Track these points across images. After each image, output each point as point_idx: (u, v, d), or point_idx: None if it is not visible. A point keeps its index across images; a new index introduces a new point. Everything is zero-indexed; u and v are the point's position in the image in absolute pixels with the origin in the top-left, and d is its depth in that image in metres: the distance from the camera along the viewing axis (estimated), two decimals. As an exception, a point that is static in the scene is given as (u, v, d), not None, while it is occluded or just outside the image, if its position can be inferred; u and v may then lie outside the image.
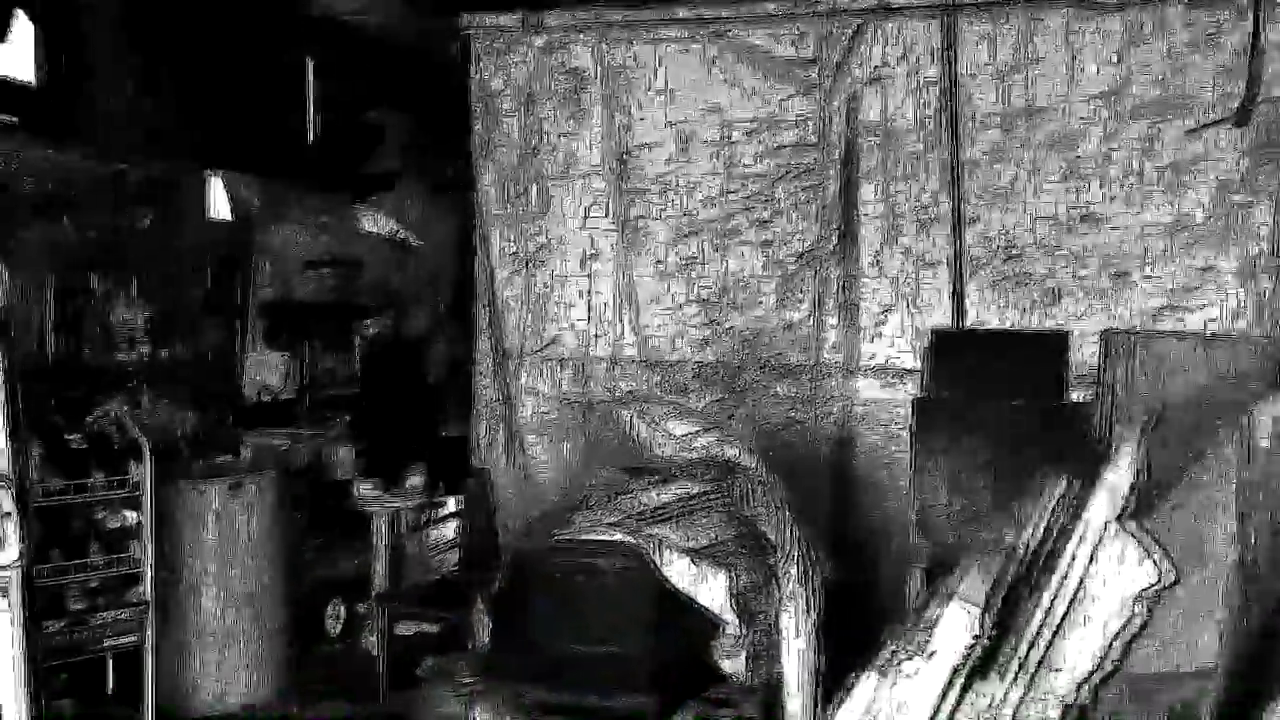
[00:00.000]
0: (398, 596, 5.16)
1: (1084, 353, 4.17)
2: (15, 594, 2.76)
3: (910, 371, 4.98)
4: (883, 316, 5.09)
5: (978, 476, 3.54)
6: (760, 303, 5.24)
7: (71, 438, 3.82)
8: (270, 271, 6.63)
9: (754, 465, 3.47)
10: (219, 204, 6.24)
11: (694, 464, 3.42)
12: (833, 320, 5.14)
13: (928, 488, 4.34)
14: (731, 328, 5.26)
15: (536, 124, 5.46)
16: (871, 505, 5.06)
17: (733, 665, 3.09)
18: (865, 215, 5.08)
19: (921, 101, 4.93)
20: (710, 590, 2.88)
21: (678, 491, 3.10)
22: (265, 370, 6.52)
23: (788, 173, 5.17)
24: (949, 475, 3.59)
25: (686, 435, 3.64)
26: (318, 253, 7.05)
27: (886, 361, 5.08)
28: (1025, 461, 2.75)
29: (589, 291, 5.42)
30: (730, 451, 3.53)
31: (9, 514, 2.58)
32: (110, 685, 4.57)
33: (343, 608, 6.18)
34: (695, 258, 5.30)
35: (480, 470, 3.40)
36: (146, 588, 4.09)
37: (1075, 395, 3.94)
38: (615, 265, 5.37)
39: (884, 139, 5.01)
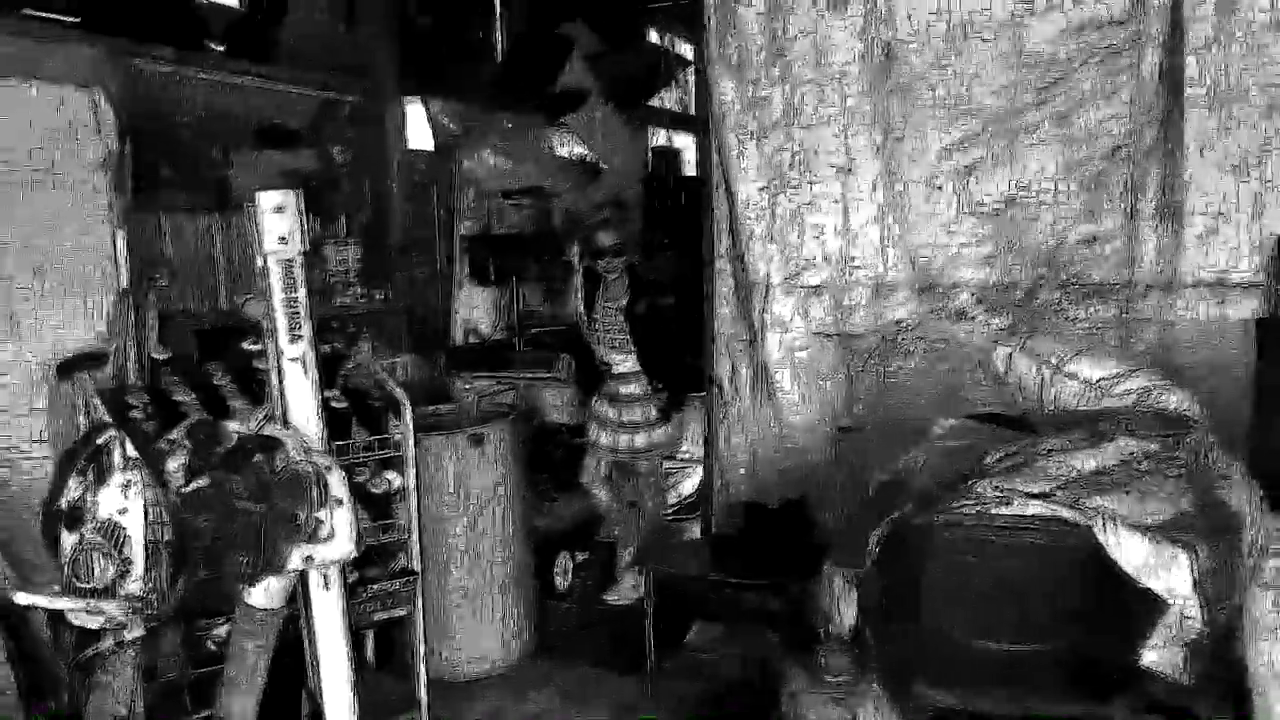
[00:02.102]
0: (667, 557, 4.68)
1: None
2: (337, 590, 2.33)
3: (1248, 287, 4.21)
4: (1213, 222, 4.27)
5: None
6: (1058, 212, 4.49)
7: (330, 394, 3.39)
8: (471, 203, 6.16)
9: (1203, 418, 2.81)
10: (420, 133, 5.77)
11: (1111, 415, 2.77)
12: (1150, 229, 4.36)
13: (1272, 420, 3.64)
14: (1021, 243, 4.53)
15: (782, 18, 4.77)
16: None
17: (1162, 659, 2.47)
18: (1193, 101, 4.25)
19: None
20: (1170, 576, 2.27)
21: (1120, 453, 2.48)
22: (473, 310, 6.09)
23: (1092, 54, 4.36)
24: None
25: (1106, 379, 2.99)
26: (514, 181, 6.55)
27: (1217, 276, 4.28)
28: None
29: (847, 209, 4.75)
30: (1173, 400, 2.87)
31: (340, 501, 2.12)
32: (371, 658, 4.28)
33: (569, 561, 5.80)
34: (976, 163, 4.56)
35: (848, 427, 2.83)
36: (414, 555, 3.68)
37: None
38: (878, 177, 4.68)
39: (1220, 5, 4.14)
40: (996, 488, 2.40)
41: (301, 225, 2.35)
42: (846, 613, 2.63)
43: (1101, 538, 2.30)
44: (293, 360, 2.33)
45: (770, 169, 4.84)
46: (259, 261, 2.30)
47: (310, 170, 5.25)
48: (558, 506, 6.03)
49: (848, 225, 4.76)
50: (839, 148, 4.72)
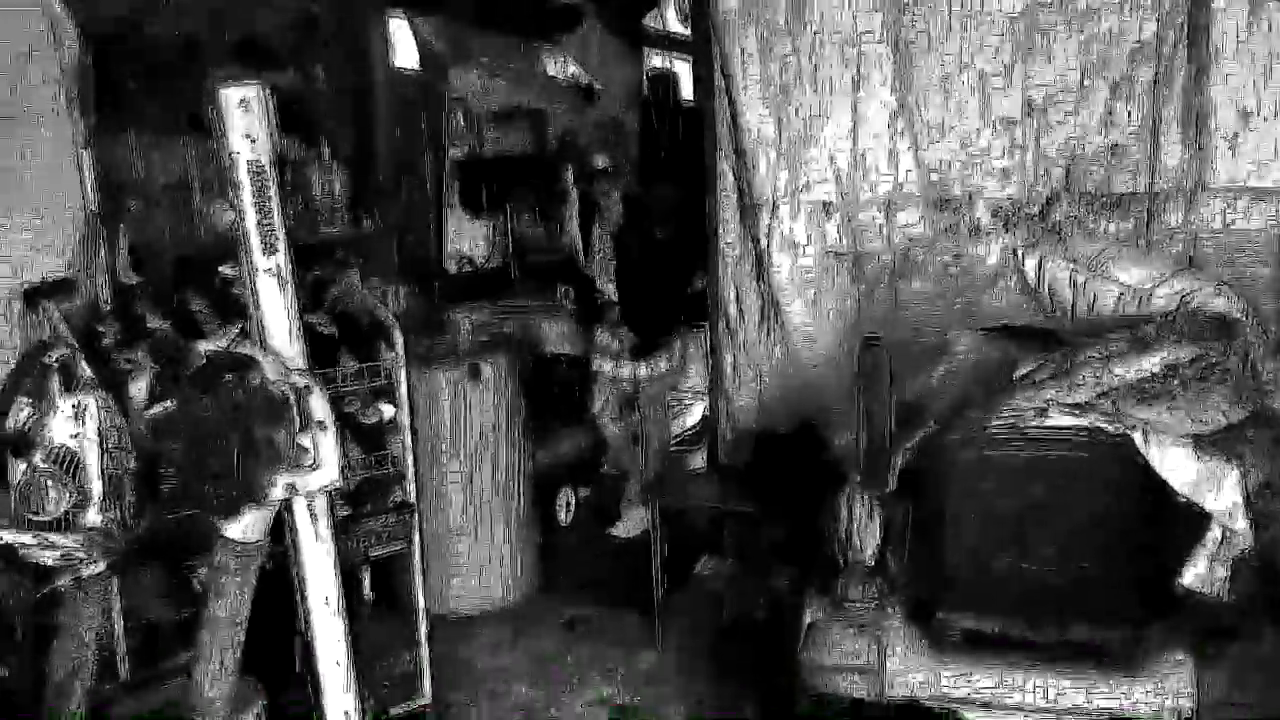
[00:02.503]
0: (674, 489, 4.53)
1: None
2: (325, 521, 2.16)
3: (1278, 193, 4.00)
4: (1243, 125, 4.05)
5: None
6: (1078, 120, 4.25)
7: (316, 320, 3.19)
8: (460, 126, 5.89)
9: (1252, 322, 2.63)
10: (406, 51, 5.49)
11: (1153, 321, 2.58)
12: (1175, 135, 4.14)
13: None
14: (1040, 152, 4.31)
15: (786, -84, 4.48)
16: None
17: (1203, 577, 2.32)
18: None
19: None
20: (1218, 491, 2.11)
21: (1163, 359, 2.29)
22: (465, 238, 5.87)
23: (1116, -51, 4.09)
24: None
25: (1145, 282, 2.80)
26: (505, 103, 6.28)
27: (1247, 183, 4.06)
28: None
29: (858, 121, 4.51)
30: (1219, 303, 2.69)
31: (324, 424, 1.94)
32: (368, 595, 4.15)
33: (571, 495, 5.66)
34: (991, 69, 4.32)
35: (874, 337, 2.65)
36: (409, 489, 3.52)
37: None
38: (891, 86, 4.43)
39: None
40: (1029, 399, 2.22)
41: (270, 123, 2.13)
42: (869, 540, 2.47)
43: (1144, 451, 2.13)
44: (268, 273, 2.12)
45: (776, 80, 4.58)
46: (225, 163, 2.09)
47: (291, 89, 5.00)
48: (559, 439, 5.87)
49: (858, 138, 4.52)
50: (850, 56, 4.47)
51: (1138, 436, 2.14)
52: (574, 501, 5.63)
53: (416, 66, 5.66)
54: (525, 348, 5.79)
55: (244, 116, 2.07)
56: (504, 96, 6.25)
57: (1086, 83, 4.20)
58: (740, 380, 4.86)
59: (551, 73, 6.75)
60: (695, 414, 7.05)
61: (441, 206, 5.75)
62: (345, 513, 3.32)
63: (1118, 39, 4.14)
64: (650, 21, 8.40)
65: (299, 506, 2.11)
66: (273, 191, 2.10)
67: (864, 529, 2.45)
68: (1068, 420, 2.21)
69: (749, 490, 3.93)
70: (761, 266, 4.73)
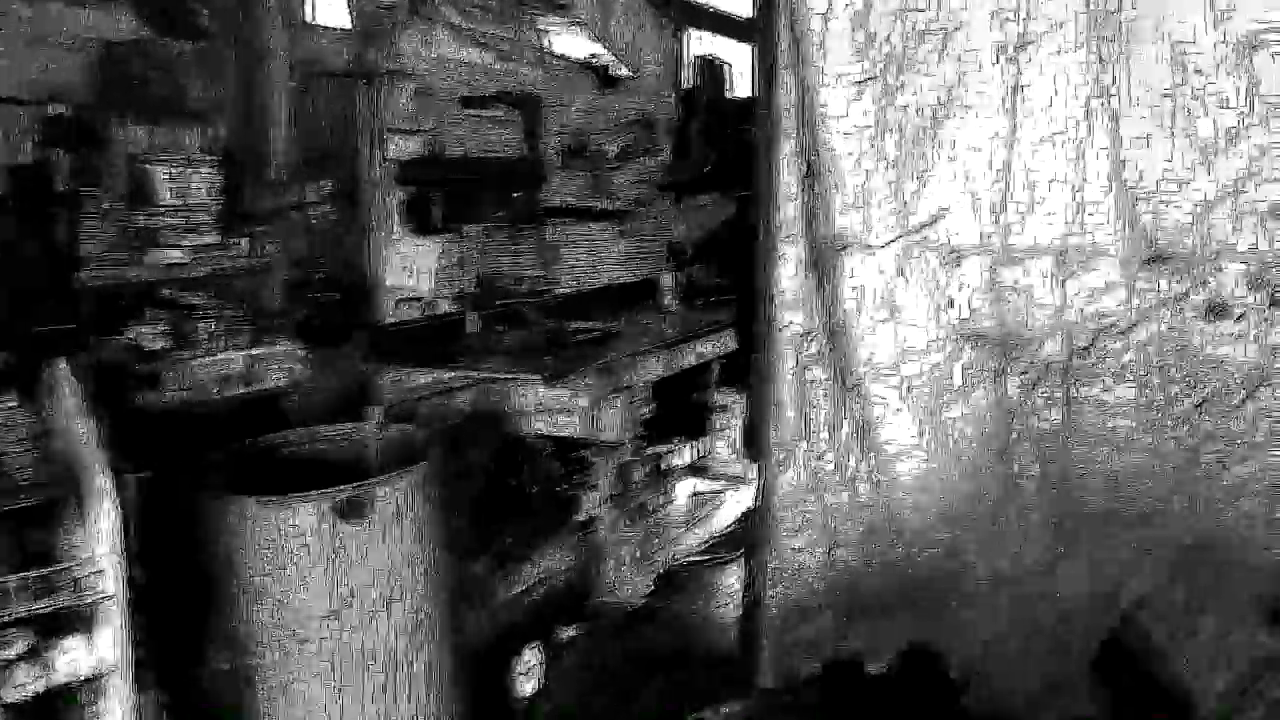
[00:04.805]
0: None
1: None
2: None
3: None
4: None
5: None
6: None
7: None
8: (413, 112, 4.14)
9: None
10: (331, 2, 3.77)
11: None
12: None
13: None
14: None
15: None
16: None
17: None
18: None
19: None
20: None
21: None
22: (409, 268, 4.12)
23: None
24: None
25: None
26: (483, 83, 4.52)
27: None
28: None
29: (1017, 119, 2.70)
30: None
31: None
32: None
33: (539, 654, 3.87)
34: (1253, 40, 2.49)
35: None
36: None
37: None
38: (1082, 66, 2.61)
39: None
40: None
41: None
42: None
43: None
44: None
45: (877, 51, 2.79)
46: None
47: (126, 40, 3.29)
48: (529, 566, 4.10)
49: (1016, 147, 2.70)
50: (1011, 8, 2.66)
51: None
52: (540, 664, 3.83)
53: (346, 25, 3.94)
54: (486, 425, 4.03)
55: None
56: (483, 74, 4.50)
57: None
58: (801, 531, 3.03)
59: (557, 47, 5.00)
60: (728, 512, 5.37)
61: (377, 224, 3.99)
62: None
63: None
64: None
65: None
66: None
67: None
68: None
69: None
70: (839, 348, 2.91)
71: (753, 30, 3.44)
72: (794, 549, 2.98)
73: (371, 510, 2.67)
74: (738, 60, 7.15)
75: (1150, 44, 2.55)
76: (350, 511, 2.62)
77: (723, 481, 5.41)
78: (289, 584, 2.57)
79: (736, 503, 5.28)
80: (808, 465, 2.98)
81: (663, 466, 5.02)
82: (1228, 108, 2.50)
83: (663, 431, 4.90)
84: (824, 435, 2.95)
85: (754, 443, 3.20)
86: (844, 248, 2.86)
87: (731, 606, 4.27)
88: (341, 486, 2.66)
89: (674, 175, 5.65)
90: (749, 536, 3.21)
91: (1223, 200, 2.53)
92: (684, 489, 5.15)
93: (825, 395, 2.95)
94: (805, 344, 2.99)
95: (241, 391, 3.36)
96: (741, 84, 7.16)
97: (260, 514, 2.55)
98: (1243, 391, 2.54)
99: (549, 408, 4.13)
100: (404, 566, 2.82)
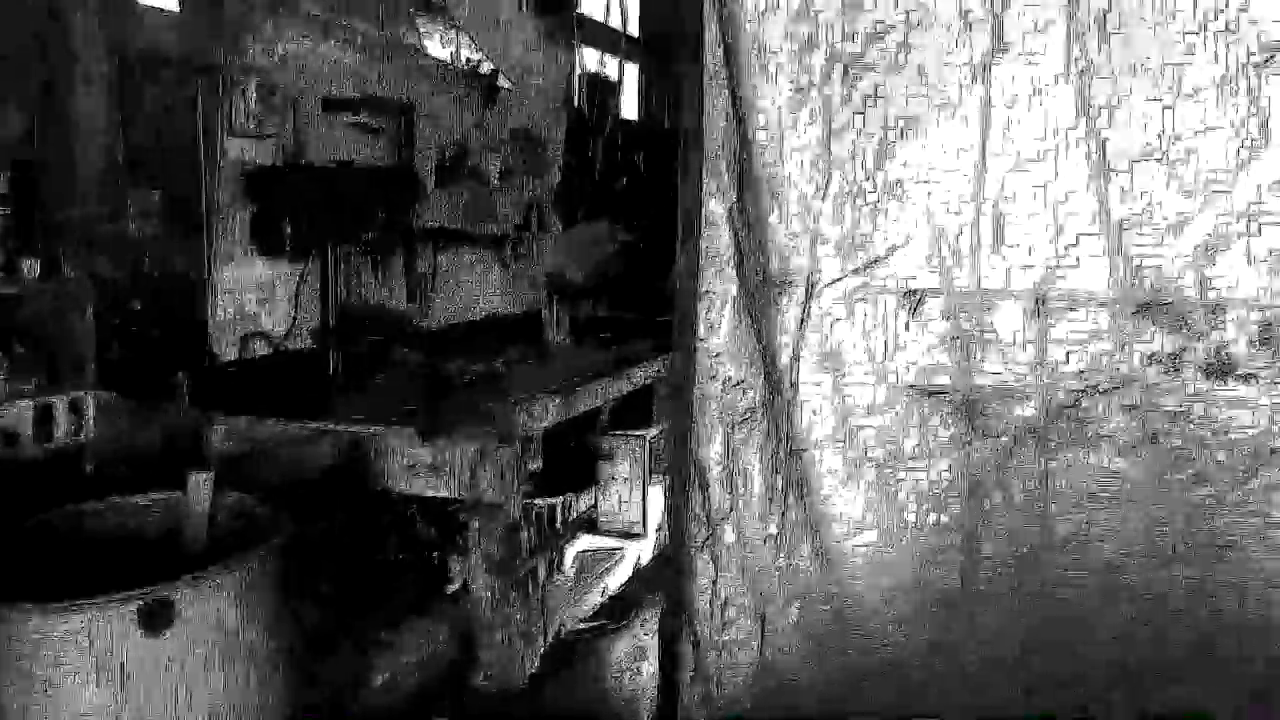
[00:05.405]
0: None
1: None
2: None
3: None
4: None
5: None
6: None
7: None
8: (260, 113, 3.51)
9: None
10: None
11: None
12: None
13: None
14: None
15: None
16: None
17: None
18: None
19: None
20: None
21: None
22: (254, 297, 3.46)
23: None
24: None
25: None
26: (347, 85, 3.92)
27: None
28: None
29: (987, 134, 2.29)
30: None
31: None
32: None
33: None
34: (1263, 55, 2.16)
35: None
36: None
37: None
38: (1066, 74, 2.23)
39: None
40: None
41: None
42: None
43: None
44: None
45: (829, 47, 2.35)
46: None
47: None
48: (395, 651, 3.48)
49: (986, 170, 2.30)
50: (982, 8, 2.26)
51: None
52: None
53: (176, 7, 3.29)
54: (345, 492, 3.40)
55: None
56: (348, 74, 3.89)
57: None
58: (729, 609, 2.54)
59: (433, 50, 4.44)
60: (623, 572, 4.90)
61: (214, 244, 3.33)
62: None
63: None
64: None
65: None
66: None
67: None
68: None
69: None
70: (778, 403, 2.44)
71: (646, 51, 2.98)
72: (722, 642, 2.48)
73: (178, 619, 2.03)
74: (627, 81, 6.77)
75: (1143, 58, 2.19)
76: (151, 621, 1.98)
77: (615, 538, 4.89)
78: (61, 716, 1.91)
79: (631, 561, 4.79)
80: (738, 542, 2.49)
81: (549, 525, 4.47)
82: (1233, 134, 2.14)
83: (549, 484, 4.35)
84: (757, 509, 2.47)
85: (671, 512, 2.68)
86: (783, 286, 2.40)
87: (627, 679, 3.78)
88: (146, 588, 2.02)
89: (563, 199, 5.13)
90: (664, 625, 2.69)
91: (1226, 240, 2.17)
92: (573, 549, 4.60)
93: (759, 459, 2.47)
94: (737, 398, 2.50)
95: (30, 452, 2.67)
96: (628, 106, 6.77)
97: (18, 623, 1.89)
98: (1247, 458, 2.18)
99: (422, 465, 3.54)
100: (228, 684, 2.19)
